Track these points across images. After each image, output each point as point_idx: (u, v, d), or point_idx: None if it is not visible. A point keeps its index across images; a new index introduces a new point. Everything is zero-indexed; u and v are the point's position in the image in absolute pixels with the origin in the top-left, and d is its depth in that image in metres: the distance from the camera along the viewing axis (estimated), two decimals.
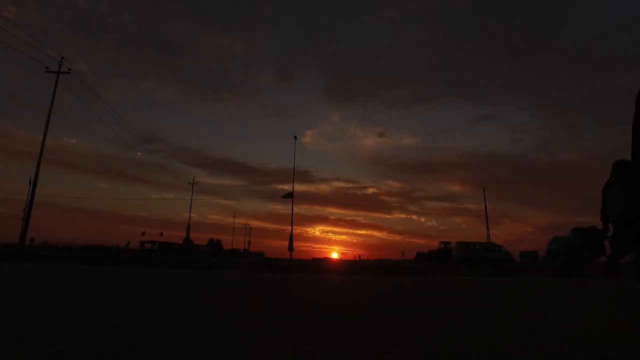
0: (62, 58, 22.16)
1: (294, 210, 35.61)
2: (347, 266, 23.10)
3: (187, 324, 2.56)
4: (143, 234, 64.76)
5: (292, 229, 34.67)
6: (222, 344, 2.04)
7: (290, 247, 32.52)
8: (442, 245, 61.43)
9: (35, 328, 2.32)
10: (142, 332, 2.26)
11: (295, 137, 34.77)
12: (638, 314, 3.48)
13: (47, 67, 21.94)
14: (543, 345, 2.12)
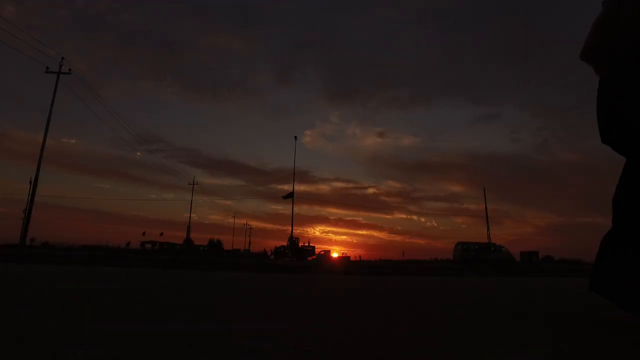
0: (63, 58, 22.20)
1: (294, 211, 35.63)
2: (346, 266, 23.15)
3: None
4: (143, 234, 64.79)
5: (292, 229, 34.74)
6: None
7: None
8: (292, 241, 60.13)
9: (35, 328, 2.32)
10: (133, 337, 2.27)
11: (295, 137, 34.77)
12: None
13: (47, 68, 21.90)
14: None
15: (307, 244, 62.21)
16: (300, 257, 52.55)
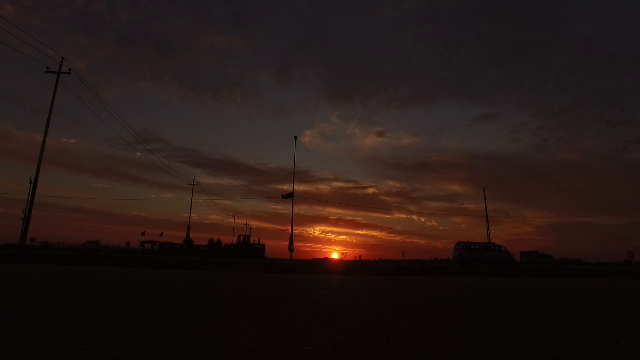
0: (63, 58, 22.06)
1: (294, 211, 35.64)
2: (346, 266, 23.14)
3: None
4: (143, 234, 64.50)
5: (292, 229, 34.65)
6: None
7: (291, 248, 32.51)
8: (241, 240, 60.03)
9: (35, 328, 2.32)
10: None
11: (295, 137, 34.80)
12: None
13: (47, 68, 21.83)
14: None
15: (257, 242, 63.35)
16: (250, 255, 52.28)
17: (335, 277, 9.63)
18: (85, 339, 2.05)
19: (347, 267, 21.18)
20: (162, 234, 63.14)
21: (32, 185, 20.66)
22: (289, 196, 33.67)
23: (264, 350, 1.92)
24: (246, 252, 56.59)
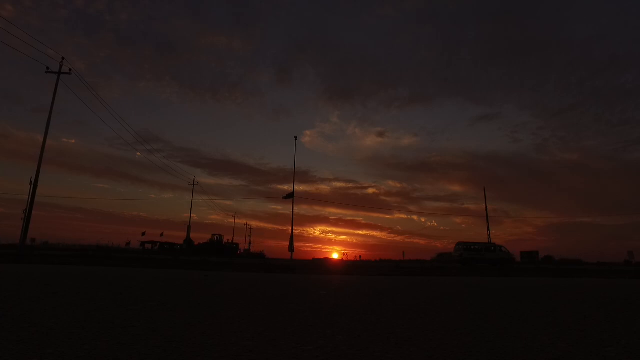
0: (63, 58, 22.00)
1: (294, 211, 35.58)
2: (346, 266, 23.12)
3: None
4: (143, 234, 64.38)
5: (292, 229, 34.62)
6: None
7: (291, 248, 32.47)
8: (215, 238, 59.51)
9: (35, 328, 2.32)
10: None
11: (295, 137, 34.74)
12: None
13: (47, 68, 21.79)
14: None
15: (230, 241, 63.36)
16: (224, 254, 51.89)
17: (335, 277, 9.62)
18: (85, 339, 2.05)
19: (347, 267, 21.16)
20: (162, 234, 63.06)
21: (32, 185, 20.65)
22: (290, 196, 33.62)
23: (264, 350, 1.92)
24: (218, 250, 56.06)
